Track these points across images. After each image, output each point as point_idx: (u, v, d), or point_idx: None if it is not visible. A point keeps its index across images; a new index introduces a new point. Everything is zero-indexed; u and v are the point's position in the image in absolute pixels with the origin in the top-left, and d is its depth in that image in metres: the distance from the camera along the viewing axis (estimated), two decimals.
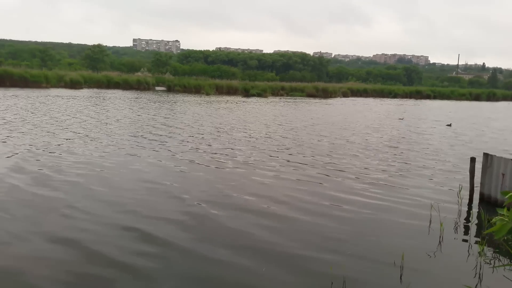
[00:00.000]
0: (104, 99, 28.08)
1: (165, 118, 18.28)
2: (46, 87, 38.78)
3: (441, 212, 6.23)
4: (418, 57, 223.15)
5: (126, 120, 16.72)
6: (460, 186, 7.08)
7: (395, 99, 56.01)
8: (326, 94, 52.10)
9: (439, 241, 5.41)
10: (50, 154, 9.63)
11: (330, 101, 42.67)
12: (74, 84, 41.83)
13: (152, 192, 7.12)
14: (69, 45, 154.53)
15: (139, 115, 18.82)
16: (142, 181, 7.82)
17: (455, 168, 10.18)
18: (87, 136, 12.35)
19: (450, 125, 21.37)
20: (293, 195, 7.41)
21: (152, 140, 12.29)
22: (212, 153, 10.75)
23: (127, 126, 14.93)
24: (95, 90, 40.73)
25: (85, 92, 36.36)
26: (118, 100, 27.73)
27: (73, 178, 7.68)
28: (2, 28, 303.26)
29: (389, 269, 4.61)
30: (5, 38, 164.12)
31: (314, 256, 4.91)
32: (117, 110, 20.48)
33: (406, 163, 10.64)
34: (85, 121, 15.80)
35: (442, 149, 13.23)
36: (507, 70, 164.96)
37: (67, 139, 11.63)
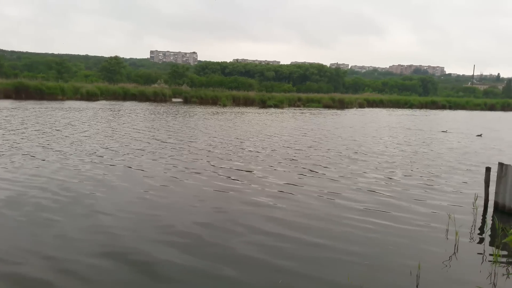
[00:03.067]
0: (118, 111, 27.65)
1: (180, 128, 17.64)
2: (62, 99, 38.76)
3: (457, 222, 6.26)
4: (434, 67, 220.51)
5: (136, 133, 16.08)
6: (476, 196, 7.13)
7: (410, 109, 55.26)
8: (342, 105, 51.30)
9: (454, 251, 5.42)
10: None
11: (350, 111, 41.69)
12: (90, 96, 41.81)
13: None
14: (86, 57, 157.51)
15: (154, 127, 18.19)
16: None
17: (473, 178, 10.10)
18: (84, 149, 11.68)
19: (480, 135, 20.91)
20: (306, 204, 7.39)
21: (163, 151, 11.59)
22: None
23: (140, 137, 14.31)
24: (111, 102, 40.56)
25: (100, 103, 36.14)
26: (132, 112, 27.25)
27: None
28: (16, 40, 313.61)
29: (406, 278, 4.65)
30: (21, 50, 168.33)
31: (331, 266, 4.94)
32: (132, 122, 19.91)
33: (431, 174, 10.45)
34: (85, 131, 15.22)
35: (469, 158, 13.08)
36: None
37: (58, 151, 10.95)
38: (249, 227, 6.11)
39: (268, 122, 23.41)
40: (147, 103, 41.64)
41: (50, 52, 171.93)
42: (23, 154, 10.56)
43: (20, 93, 38.01)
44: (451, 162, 12.31)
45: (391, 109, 53.98)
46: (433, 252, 5.35)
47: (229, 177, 9.21)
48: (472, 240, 5.89)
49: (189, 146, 13.52)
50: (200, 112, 30.12)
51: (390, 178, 9.65)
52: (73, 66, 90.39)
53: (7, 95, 37.24)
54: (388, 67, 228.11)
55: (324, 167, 10.85)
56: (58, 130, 15.80)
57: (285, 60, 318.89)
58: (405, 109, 53.52)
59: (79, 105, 31.86)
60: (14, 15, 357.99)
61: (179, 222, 6.20)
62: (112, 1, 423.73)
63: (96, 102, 38.70)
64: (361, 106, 54.06)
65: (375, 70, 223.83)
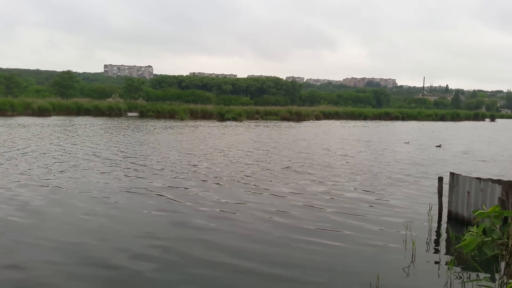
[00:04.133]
0: (67, 126, 27.07)
1: (132, 145, 17.61)
2: (12, 115, 37.25)
3: (413, 231, 6.31)
4: (386, 80, 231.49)
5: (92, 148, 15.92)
6: (431, 205, 7.24)
7: (365, 120, 57.61)
8: (299, 117, 52.78)
9: (412, 259, 5.50)
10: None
11: (304, 123, 43.03)
12: (42, 112, 40.38)
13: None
14: (37, 72, 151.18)
15: (107, 142, 18.06)
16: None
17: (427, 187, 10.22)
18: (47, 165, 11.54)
19: (439, 146, 21.25)
20: (251, 226, 6.85)
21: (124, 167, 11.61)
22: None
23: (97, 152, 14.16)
24: (64, 117, 39.43)
25: (52, 119, 35.07)
26: (83, 127, 26.79)
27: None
28: None
29: None
30: None
31: (289, 278, 4.88)
32: (86, 137, 19.60)
33: (380, 183, 10.49)
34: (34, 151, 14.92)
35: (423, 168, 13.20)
36: (468, 92, 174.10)
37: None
38: (187, 256, 5.37)
39: (223, 136, 23.66)
40: (102, 118, 40.84)
41: None
42: None
43: None
44: (405, 172, 12.27)
45: (346, 120, 56.10)
46: (392, 262, 5.43)
47: (168, 196, 8.33)
48: (428, 249, 6.01)
49: (132, 163, 12.48)
50: (154, 127, 30.05)
51: (340, 193, 9.30)
52: (23, 81, 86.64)
53: None
54: (342, 80, 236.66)
55: (271, 181, 10.30)
56: None
57: (241, 73, 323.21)
58: (359, 121, 55.69)
59: (28, 121, 30.80)
60: None
61: (106, 253, 5.37)
62: (60, 14, 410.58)
63: (48, 118, 37.48)
64: (317, 118, 55.82)
65: (329, 83, 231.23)
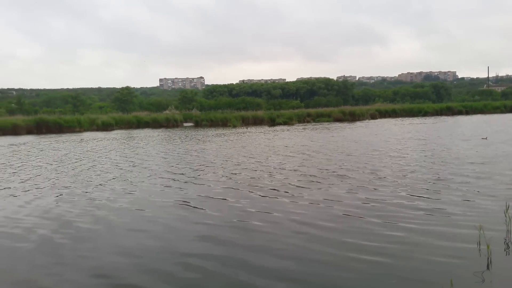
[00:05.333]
0: (134, 139, 28.55)
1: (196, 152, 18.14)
2: (80, 131, 40.20)
3: (489, 232, 5.69)
4: (445, 73, 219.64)
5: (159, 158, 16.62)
6: (507, 205, 6.34)
7: (425, 117, 54.53)
8: (353, 117, 51.43)
9: (488, 264, 4.92)
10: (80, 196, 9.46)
11: (358, 124, 41.86)
12: (106, 126, 43.26)
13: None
14: (99, 89, 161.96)
15: (171, 151, 18.77)
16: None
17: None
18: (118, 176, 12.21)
19: (485, 138, 19.99)
20: (334, 216, 6.53)
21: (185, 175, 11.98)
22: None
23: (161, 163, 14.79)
24: (126, 130, 41.78)
25: (116, 133, 37.32)
26: (148, 139, 28.12)
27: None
28: (31, 78, 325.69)
29: None
30: (39, 87, 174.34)
31: (357, 280, 4.57)
32: (150, 148, 20.56)
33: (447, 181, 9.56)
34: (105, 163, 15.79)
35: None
36: None
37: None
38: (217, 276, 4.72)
39: (268, 141, 23.32)
40: (160, 129, 42.72)
41: (65, 87, 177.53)
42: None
43: (41, 128, 39.67)
44: (467, 171, 11.03)
45: (404, 118, 53.68)
46: (465, 266, 4.93)
47: (202, 208, 7.70)
48: (507, 253, 5.35)
49: (180, 173, 12.84)
50: (206, 135, 30.77)
51: (399, 196, 8.58)
52: (87, 99, 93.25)
53: (29, 131, 39.04)
54: (397, 75, 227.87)
55: (312, 188, 9.40)
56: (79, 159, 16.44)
57: (290, 77, 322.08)
58: (418, 118, 52.89)
59: (95, 135, 33.02)
60: (25, 56, 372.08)
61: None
62: (114, 35, 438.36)
63: (111, 132, 39.93)
64: (373, 117, 53.96)
65: (384, 80, 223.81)
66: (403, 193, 8.55)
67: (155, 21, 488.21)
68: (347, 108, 57.61)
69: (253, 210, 7.49)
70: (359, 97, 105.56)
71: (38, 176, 12.15)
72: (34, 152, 19.87)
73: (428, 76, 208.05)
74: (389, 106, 66.76)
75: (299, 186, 9.56)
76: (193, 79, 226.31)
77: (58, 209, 8.00)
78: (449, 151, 15.80)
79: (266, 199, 8.36)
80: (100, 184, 10.56)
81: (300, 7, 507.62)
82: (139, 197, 8.89)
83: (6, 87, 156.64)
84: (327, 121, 49.92)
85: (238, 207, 7.77)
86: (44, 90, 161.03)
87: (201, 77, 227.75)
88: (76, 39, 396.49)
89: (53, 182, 11.12)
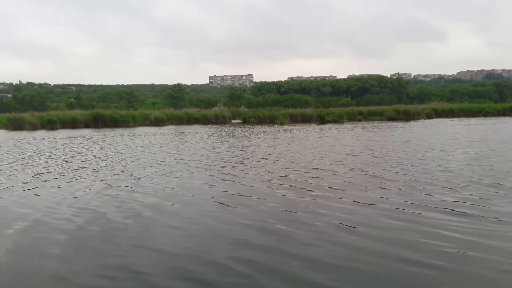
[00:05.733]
0: (183, 134, 29.10)
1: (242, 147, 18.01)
2: (133, 126, 41.85)
3: None
4: (509, 71, 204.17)
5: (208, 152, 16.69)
6: None
7: (484, 118, 50.72)
8: (407, 116, 49.10)
9: None
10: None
11: (412, 123, 39.83)
12: (158, 122, 44.70)
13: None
14: (152, 86, 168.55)
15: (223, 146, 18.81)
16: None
17: None
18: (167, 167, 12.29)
19: None
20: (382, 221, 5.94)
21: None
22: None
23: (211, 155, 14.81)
24: (177, 126, 42.86)
25: (168, 128, 38.39)
26: (196, 135, 28.54)
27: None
28: (89, 74, 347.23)
29: None
30: (96, 83, 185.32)
31: None
32: (197, 143, 20.78)
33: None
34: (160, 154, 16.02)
35: None
36: None
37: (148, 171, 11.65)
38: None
39: (314, 139, 22.63)
40: (209, 125, 43.35)
41: (120, 83, 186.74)
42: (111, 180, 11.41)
43: (97, 122, 41.80)
44: None
45: (461, 118, 50.53)
46: None
47: (236, 207, 7.41)
48: None
49: (216, 169, 12.47)
50: (253, 132, 30.63)
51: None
52: (141, 95, 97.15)
53: (86, 125, 41.43)
54: (455, 73, 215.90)
55: (351, 190, 8.65)
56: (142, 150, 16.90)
57: (341, 74, 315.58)
58: (478, 118, 49.36)
59: (148, 130, 34.12)
60: (83, 52, 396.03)
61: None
62: (166, 33, 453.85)
63: (163, 127, 41.15)
64: (428, 117, 51.24)
65: (441, 78, 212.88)
66: (454, 199, 7.75)
67: (205, 19, 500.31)
68: (401, 107, 55.17)
69: (295, 212, 7.09)
70: (414, 95, 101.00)
71: (85, 168, 12.54)
72: (87, 145, 20.77)
73: (490, 74, 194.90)
74: (446, 105, 63.15)
75: (343, 188, 8.99)
76: (242, 76, 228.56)
77: (98, 201, 8.09)
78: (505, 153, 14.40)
79: (309, 200, 7.91)
80: (143, 178, 10.64)
81: (352, 2, 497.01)
82: (185, 192, 8.79)
83: (66, 83, 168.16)
84: (380, 120, 48.11)
85: (278, 207, 7.39)
86: (101, 86, 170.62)
87: (250, 74, 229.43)
88: (131, 37, 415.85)
89: (98, 174, 11.38)
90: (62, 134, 31.09)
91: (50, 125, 39.32)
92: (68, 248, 5.52)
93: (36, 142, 23.10)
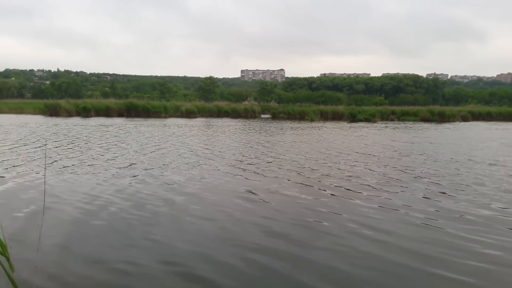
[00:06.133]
0: (212, 127, 29.41)
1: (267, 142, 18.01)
2: (165, 117, 42.66)
3: None
4: None
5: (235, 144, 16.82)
6: None
7: None
8: (442, 118, 47.58)
9: None
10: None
11: (446, 125, 38.53)
12: (189, 114, 45.38)
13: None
14: (184, 78, 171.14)
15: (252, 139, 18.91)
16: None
17: None
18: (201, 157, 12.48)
19: None
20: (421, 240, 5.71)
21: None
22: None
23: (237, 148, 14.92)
24: (207, 118, 43.37)
25: (198, 120, 38.92)
26: (225, 128, 28.78)
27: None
28: (123, 64, 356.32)
29: None
30: (130, 73, 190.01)
31: None
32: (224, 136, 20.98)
33: None
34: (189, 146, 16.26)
35: None
36: None
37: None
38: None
39: (352, 137, 22.48)
40: (238, 119, 43.59)
41: (153, 74, 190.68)
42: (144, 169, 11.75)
43: (130, 112, 42.92)
44: None
45: (499, 122, 48.40)
46: None
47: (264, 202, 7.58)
48: None
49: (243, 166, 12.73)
50: (281, 128, 30.50)
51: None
52: (173, 87, 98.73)
53: (120, 114, 42.65)
54: (495, 75, 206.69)
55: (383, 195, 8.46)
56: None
57: (375, 72, 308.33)
58: None
59: (179, 122, 34.70)
60: (118, 43, 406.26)
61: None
62: (199, 25, 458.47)
63: (193, 119, 41.74)
64: (464, 119, 49.46)
65: (479, 79, 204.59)
66: (492, 205, 7.44)
67: (239, 13, 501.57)
68: (436, 108, 53.53)
69: (323, 210, 7.01)
70: (450, 96, 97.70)
71: (119, 156, 12.89)
72: (120, 134, 21.36)
73: None
74: (484, 108, 60.78)
75: (373, 188, 8.80)
76: (273, 71, 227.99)
77: (131, 189, 8.26)
78: None
79: (337, 199, 7.80)
80: (174, 168, 10.84)
81: None
82: (209, 185, 8.88)
83: (102, 72, 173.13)
84: (413, 120, 46.90)
85: (306, 205, 7.33)
86: (135, 76, 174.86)
87: (282, 69, 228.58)
88: (164, 29, 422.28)
89: (131, 162, 11.66)
90: (95, 121, 32.15)
91: (84, 112, 40.72)
92: (103, 234, 5.68)
93: (69, 128, 24.01)
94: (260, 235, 5.70)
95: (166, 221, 6.27)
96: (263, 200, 7.62)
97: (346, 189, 8.75)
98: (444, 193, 8.48)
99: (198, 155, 13.62)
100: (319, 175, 10.38)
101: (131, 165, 11.25)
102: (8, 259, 2.66)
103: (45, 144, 15.61)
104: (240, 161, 12.57)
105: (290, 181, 9.46)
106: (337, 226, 6.14)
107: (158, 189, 8.30)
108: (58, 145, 15.36)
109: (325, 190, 8.56)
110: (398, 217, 6.70)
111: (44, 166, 10.58)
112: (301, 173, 10.57)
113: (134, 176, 9.58)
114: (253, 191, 8.33)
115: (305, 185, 9.09)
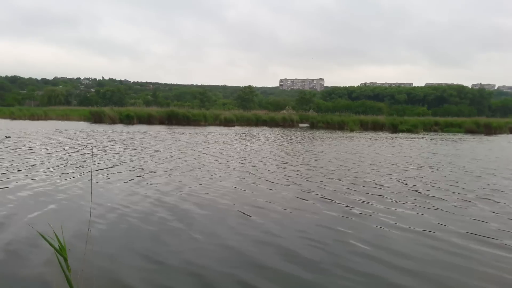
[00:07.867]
0: (250, 136, 29.62)
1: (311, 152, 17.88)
2: (204, 125, 43.59)
3: None
4: None
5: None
6: None
7: None
8: (489, 130, 45.28)
9: None
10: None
11: (492, 138, 36.55)
12: (227, 122, 46.14)
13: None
14: (224, 87, 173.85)
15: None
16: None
17: None
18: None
19: None
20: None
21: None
22: None
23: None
24: (245, 127, 43.80)
25: (236, 129, 39.39)
26: (263, 136, 28.90)
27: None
28: (164, 73, 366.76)
29: None
30: (171, 82, 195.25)
31: None
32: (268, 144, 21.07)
33: None
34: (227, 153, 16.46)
35: None
36: None
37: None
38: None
39: (392, 149, 21.80)
40: (277, 128, 43.69)
41: (194, 83, 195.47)
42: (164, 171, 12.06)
43: (171, 120, 44.25)
44: None
45: None
46: None
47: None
48: None
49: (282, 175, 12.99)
50: (321, 138, 30.13)
51: None
52: (213, 96, 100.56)
53: (161, 121, 44.09)
54: None
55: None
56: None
57: (417, 82, 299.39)
58: None
59: (218, 130, 35.29)
60: (159, 52, 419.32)
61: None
62: (237, 35, 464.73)
63: (232, 127, 42.30)
64: None
65: None
66: None
67: (277, 22, 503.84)
68: (482, 119, 51.05)
69: (332, 232, 6.80)
70: (497, 108, 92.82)
71: (171, 166, 13.25)
72: (156, 141, 21.92)
73: None
74: None
75: (400, 212, 8.29)
76: (312, 80, 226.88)
77: (174, 198, 8.54)
78: None
79: (351, 221, 6.99)
80: (209, 180, 10.97)
81: (429, 7, 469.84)
82: (243, 197, 8.69)
83: (144, 80, 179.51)
84: (458, 131, 45.06)
85: (315, 224, 6.78)
86: (176, 85, 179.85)
87: (321, 79, 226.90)
88: (204, 38, 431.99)
89: (157, 169, 11.93)
90: (137, 129, 33.33)
91: (127, 119, 42.38)
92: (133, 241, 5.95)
93: (107, 136, 25.03)
94: (294, 249, 5.63)
95: (194, 232, 6.27)
96: (297, 208, 7.57)
97: (373, 206, 8.29)
98: (485, 203, 8.07)
99: (231, 162, 13.82)
100: (345, 191, 9.51)
101: (156, 171, 11.51)
102: (65, 260, 2.87)
103: (91, 151, 16.38)
104: (276, 171, 12.53)
105: (316, 197, 8.83)
106: (377, 239, 6.00)
107: (188, 199, 8.41)
108: (103, 152, 16.05)
109: (346, 208, 7.74)
110: (426, 241, 5.99)
111: (90, 172, 11.02)
112: (338, 184, 10.37)
113: (161, 184, 9.80)
114: (286, 201, 8.22)
115: (327, 201, 8.53)
